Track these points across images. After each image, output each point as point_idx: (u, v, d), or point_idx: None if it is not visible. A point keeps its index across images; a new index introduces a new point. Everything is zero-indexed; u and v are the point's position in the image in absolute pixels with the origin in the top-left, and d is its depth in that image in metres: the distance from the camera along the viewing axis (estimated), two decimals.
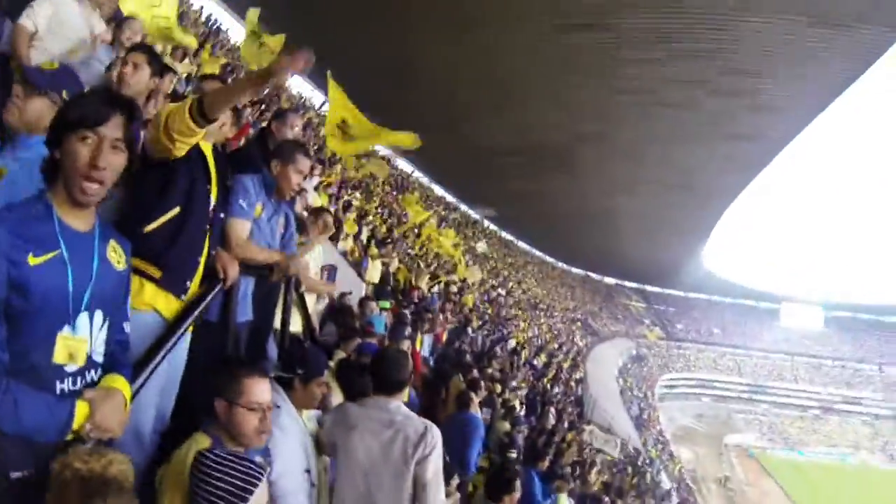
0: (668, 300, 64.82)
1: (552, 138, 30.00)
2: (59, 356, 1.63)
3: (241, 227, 2.84)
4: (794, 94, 23.93)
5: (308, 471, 2.59)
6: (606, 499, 9.53)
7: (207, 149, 2.50)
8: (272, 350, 3.38)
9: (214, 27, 16.58)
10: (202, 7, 17.00)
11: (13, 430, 1.50)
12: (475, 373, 7.68)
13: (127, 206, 2.27)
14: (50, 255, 1.59)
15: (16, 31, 3.33)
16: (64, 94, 2.26)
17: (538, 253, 54.84)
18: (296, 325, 4.02)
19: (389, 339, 5.72)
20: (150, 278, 2.23)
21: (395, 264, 10.75)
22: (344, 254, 8.07)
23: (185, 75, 7.14)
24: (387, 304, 7.33)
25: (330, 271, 5.82)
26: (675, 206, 37.34)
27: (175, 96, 4.14)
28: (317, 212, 4.68)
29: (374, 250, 10.11)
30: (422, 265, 13.77)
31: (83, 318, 1.68)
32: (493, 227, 45.26)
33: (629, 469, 18.55)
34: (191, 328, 2.39)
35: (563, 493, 6.08)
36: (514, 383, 10.59)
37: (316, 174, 8.63)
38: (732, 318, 61.87)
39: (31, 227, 1.58)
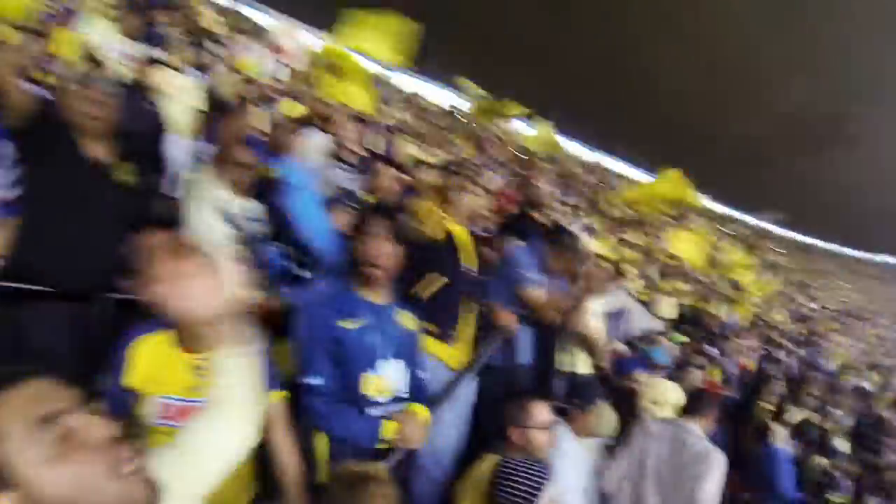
0: None
1: (818, 110, 25.59)
2: (368, 390, 2.24)
3: (539, 294, 3.39)
4: None
5: (586, 490, 2.89)
6: None
7: (456, 230, 3.09)
8: (558, 388, 3.66)
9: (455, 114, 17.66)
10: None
11: (343, 437, 2.17)
12: (783, 401, 7.00)
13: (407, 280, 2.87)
14: (359, 322, 2.24)
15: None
16: None
17: (846, 250, 46.47)
18: (584, 367, 4.25)
19: (676, 371, 5.57)
20: (430, 333, 2.82)
21: (685, 295, 10.35)
22: (632, 294, 8.03)
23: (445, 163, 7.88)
24: (681, 338, 7.11)
25: (619, 316, 5.88)
26: None
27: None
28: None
29: (662, 285, 9.89)
30: (716, 291, 12.95)
31: (385, 364, 2.28)
32: (783, 232, 40.07)
33: None
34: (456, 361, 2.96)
35: None
36: (834, 410, 9.31)
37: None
38: None
39: (345, 304, 2.27)
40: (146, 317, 1.93)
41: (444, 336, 2.91)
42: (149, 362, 1.88)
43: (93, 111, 2.42)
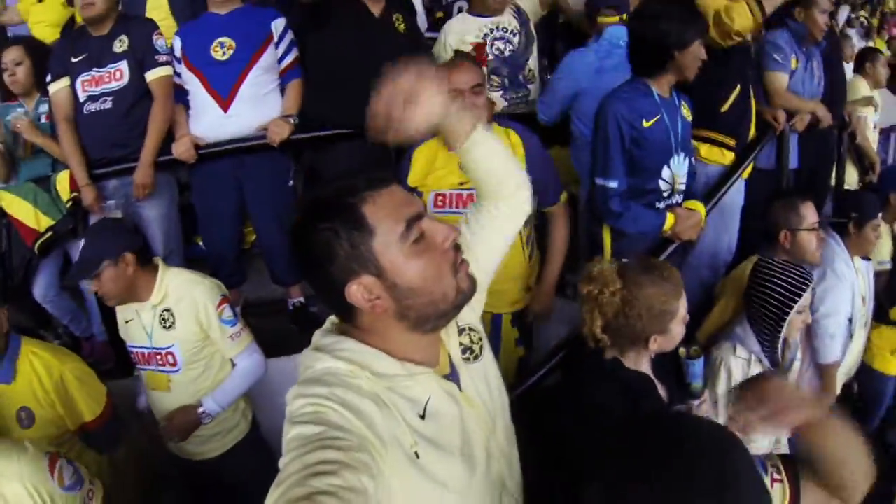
0: None
1: None
2: (661, 184, 2.35)
3: (777, 80, 3.16)
4: None
5: (850, 319, 2.68)
6: None
7: None
8: (827, 206, 3.44)
9: None
10: None
11: (633, 231, 2.32)
12: None
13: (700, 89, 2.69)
14: (655, 118, 2.28)
15: None
16: None
17: None
18: (853, 181, 3.91)
19: None
20: (729, 147, 2.80)
21: None
22: None
23: None
24: None
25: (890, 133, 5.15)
26: None
27: None
28: (871, 53, 4.30)
29: None
30: None
31: (675, 158, 2.35)
32: None
33: None
34: (747, 172, 2.88)
35: None
36: None
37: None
38: None
39: (640, 102, 2.29)
40: None
41: (738, 149, 2.86)
42: (424, 163, 2.24)
43: None
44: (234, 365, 2.29)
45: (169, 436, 2.24)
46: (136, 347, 2.23)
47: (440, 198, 2.20)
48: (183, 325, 2.15)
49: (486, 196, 1.23)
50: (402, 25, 2.93)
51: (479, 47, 3.08)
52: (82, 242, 2.12)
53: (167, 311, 2.15)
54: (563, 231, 2.42)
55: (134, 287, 2.11)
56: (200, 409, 2.20)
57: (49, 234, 2.87)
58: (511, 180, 1.22)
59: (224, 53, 2.74)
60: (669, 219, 2.33)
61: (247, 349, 2.26)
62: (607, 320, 1.61)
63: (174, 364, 2.18)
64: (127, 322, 2.23)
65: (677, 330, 1.63)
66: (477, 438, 1.06)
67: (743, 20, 2.54)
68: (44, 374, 1.97)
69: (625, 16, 2.95)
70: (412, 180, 2.24)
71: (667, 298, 1.58)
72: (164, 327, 2.15)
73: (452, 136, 1.13)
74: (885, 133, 4.83)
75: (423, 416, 0.98)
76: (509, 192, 1.22)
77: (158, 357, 2.18)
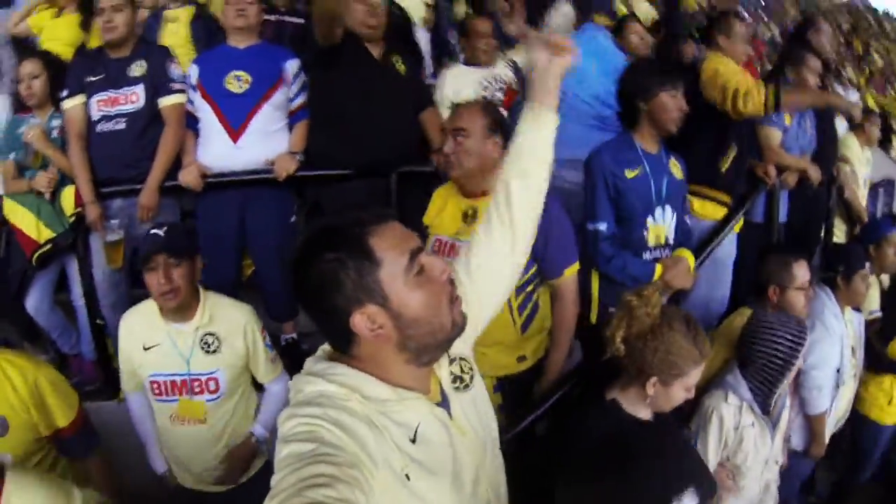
0: None
1: None
2: (649, 238, 2.42)
3: (771, 136, 3.24)
4: None
5: (838, 370, 2.71)
6: None
7: None
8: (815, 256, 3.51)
9: None
10: None
11: (620, 278, 2.34)
12: None
13: (701, 147, 2.85)
14: (638, 170, 2.36)
15: None
16: None
17: None
18: (841, 235, 3.99)
19: None
20: (724, 203, 2.91)
21: None
22: None
23: None
24: None
25: (885, 187, 5.28)
26: None
27: None
28: (867, 114, 4.43)
29: None
30: None
31: (660, 211, 2.42)
32: None
33: None
34: (739, 227, 2.95)
35: None
36: None
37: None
38: None
39: (625, 153, 2.39)
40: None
41: (736, 207, 2.95)
42: (437, 205, 2.26)
43: (372, 21, 2.80)
44: (262, 389, 2.30)
45: (232, 476, 2.18)
46: (164, 376, 2.09)
47: (437, 243, 2.20)
48: (229, 349, 2.11)
49: (504, 177, 1.28)
50: (402, 67, 2.97)
51: (511, 93, 3.26)
52: (159, 229, 2.02)
53: (211, 334, 2.09)
54: (567, 311, 2.21)
55: (191, 295, 2.07)
56: (254, 439, 2.20)
57: (49, 246, 2.88)
58: (533, 175, 1.28)
59: (239, 86, 2.79)
60: (658, 268, 2.37)
61: (282, 373, 2.29)
62: (630, 334, 1.67)
63: (215, 390, 2.11)
64: (147, 349, 2.10)
65: (678, 392, 1.66)
66: (467, 465, 1.08)
67: (755, 107, 2.68)
68: (18, 379, 1.89)
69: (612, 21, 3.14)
70: (426, 218, 2.26)
71: (685, 355, 1.62)
72: (207, 352, 2.08)
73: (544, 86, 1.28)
74: (873, 188, 4.93)
75: (413, 441, 1.00)
76: (525, 184, 1.27)
77: (197, 384, 2.09)
